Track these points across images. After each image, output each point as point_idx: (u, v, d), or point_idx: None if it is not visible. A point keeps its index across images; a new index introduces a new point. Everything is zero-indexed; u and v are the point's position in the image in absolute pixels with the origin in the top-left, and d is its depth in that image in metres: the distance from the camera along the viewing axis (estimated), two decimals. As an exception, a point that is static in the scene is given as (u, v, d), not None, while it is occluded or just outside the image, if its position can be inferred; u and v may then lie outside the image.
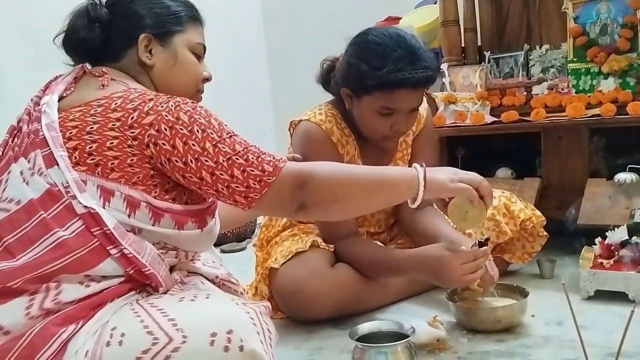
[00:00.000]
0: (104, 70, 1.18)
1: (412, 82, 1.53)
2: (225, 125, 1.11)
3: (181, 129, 1.06)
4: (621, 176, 1.72)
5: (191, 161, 1.06)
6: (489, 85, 2.40)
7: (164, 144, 1.06)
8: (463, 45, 2.55)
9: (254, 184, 1.07)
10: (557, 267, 1.89)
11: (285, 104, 3.70)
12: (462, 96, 2.35)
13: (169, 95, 1.11)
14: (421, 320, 1.44)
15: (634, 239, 1.66)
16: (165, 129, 1.06)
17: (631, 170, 1.70)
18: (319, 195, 1.13)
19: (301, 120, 1.73)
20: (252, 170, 1.07)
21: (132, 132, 1.06)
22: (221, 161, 1.07)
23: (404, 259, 1.58)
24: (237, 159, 1.07)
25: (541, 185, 2.09)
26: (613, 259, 1.67)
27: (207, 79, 1.30)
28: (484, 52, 2.56)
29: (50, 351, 0.93)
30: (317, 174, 1.13)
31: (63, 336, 0.94)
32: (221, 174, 1.07)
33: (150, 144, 1.06)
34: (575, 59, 2.38)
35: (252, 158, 1.08)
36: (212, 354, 0.94)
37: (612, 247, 1.69)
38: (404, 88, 1.54)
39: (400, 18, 2.87)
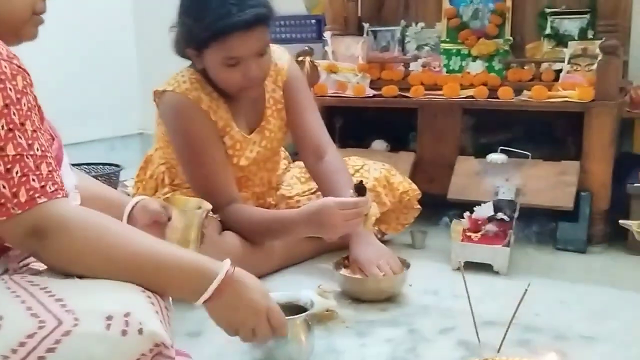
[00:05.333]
0: None
1: (241, 24, 1.49)
2: (28, 112, 0.90)
3: None
4: (493, 156, 1.85)
5: None
6: (369, 57, 2.44)
7: None
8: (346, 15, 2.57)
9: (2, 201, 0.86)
10: (427, 238, 2.00)
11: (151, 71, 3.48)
12: (344, 66, 2.37)
13: None
14: (308, 290, 1.46)
15: (499, 214, 1.81)
16: None
17: (502, 151, 1.83)
18: (58, 257, 0.92)
19: (165, 91, 1.65)
20: (25, 182, 0.86)
21: None
22: (8, 152, 0.86)
23: (289, 217, 1.60)
24: (27, 159, 0.87)
25: (415, 159, 2.19)
26: (480, 233, 1.80)
27: None
28: (363, 23, 2.60)
29: None
30: (69, 232, 0.90)
31: None
32: None
33: None
34: (448, 40, 2.50)
35: (32, 170, 0.87)
36: (108, 338, 0.86)
37: (479, 222, 1.83)
38: (236, 32, 1.50)
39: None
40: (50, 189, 0.88)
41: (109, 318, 0.86)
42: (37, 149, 0.89)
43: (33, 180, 0.87)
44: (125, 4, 3.50)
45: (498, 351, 1.11)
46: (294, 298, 1.28)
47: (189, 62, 1.70)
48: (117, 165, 2.66)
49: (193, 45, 1.58)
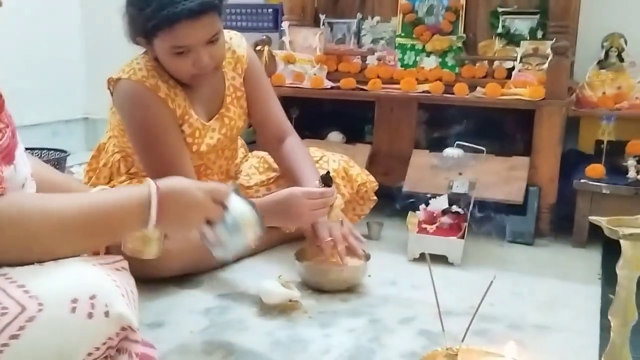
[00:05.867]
0: None
1: (185, 13, 1.44)
2: None
3: None
4: (449, 151, 1.90)
5: None
6: (325, 49, 2.45)
7: None
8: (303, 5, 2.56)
9: None
10: (382, 230, 2.03)
11: (98, 55, 3.37)
12: (301, 57, 2.37)
13: None
14: (269, 279, 1.47)
15: (454, 207, 1.86)
16: None
17: (458, 146, 1.88)
18: (9, 250, 0.89)
19: (120, 79, 1.60)
20: None
21: None
22: None
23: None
24: None
25: (371, 151, 2.22)
26: (435, 225, 1.85)
27: None
28: (320, 15, 2.60)
29: None
30: (10, 226, 0.87)
31: None
32: None
33: None
34: (403, 34, 2.53)
35: None
36: (74, 322, 0.85)
37: (434, 214, 1.87)
38: (181, 21, 1.45)
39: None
40: None
41: (74, 301, 0.85)
42: None
43: None
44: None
45: (462, 341, 1.14)
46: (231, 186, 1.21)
47: (136, 46, 1.64)
48: (63, 151, 2.58)
49: (140, 34, 1.54)
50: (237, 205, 1.13)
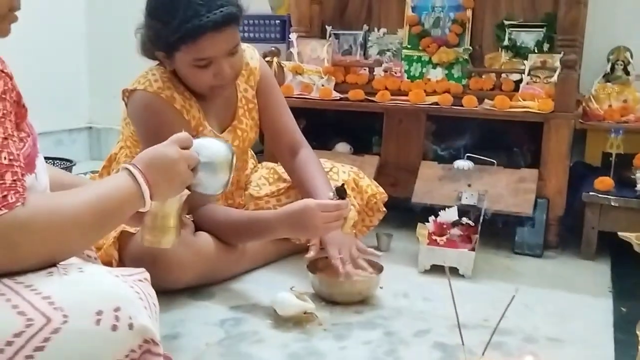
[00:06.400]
0: None
1: (210, 25, 1.47)
2: (2, 118, 0.89)
3: None
4: (459, 163, 1.91)
5: None
6: (333, 60, 2.46)
7: None
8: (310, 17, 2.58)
9: None
10: (392, 241, 2.03)
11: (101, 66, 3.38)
12: (309, 68, 2.38)
13: None
14: (283, 291, 1.47)
15: (464, 219, 1.86)
16: None
17: (469, 158, 1.89)
18: (36, 257, 0.90)
19: (136, 90, 1.60)
20: None
21: None
22: None
23: (268, 217, 1.60)
24: None
25: (379, 163, 2.22)
26: (445, 237, 1.85)
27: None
28: (326, 26, 2.61)
29: None
30: (35, 232, 0.88)
31: None
32: None
33: None
34: (409, 46, 2.55)
35: None
36: (98, 334, 0.86)
37: (444, 226, 1.87)
38: (206, 34, 1.48)
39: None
40: (12, 199, 0.86)
41: (99, 313, 0.85)
42: (5, 158, 0.87)
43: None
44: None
45: (483, 354, 1.14)
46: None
47: (143, 58, 1.66)
48: (69, 161, 2.58)
49: (162, 48, 1.55)
50: (210, 145, 1.16)
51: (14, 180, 0.87)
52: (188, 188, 1.15)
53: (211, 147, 1.16)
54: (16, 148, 0.90)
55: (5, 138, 0.88)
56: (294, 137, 1.83)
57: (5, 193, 0.85)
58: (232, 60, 1.57)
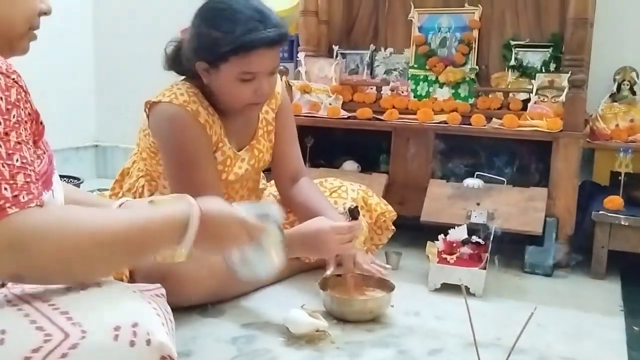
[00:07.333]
0: None
1: (267, 41, 1.51)
2: (16, 124, 0.88)
3: None
4: (469, 181, 1.91)
5: None
6: (340, 80, 2.47)
7: None
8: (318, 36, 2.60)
9: None
10: (401, 259, 2.03)
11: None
12: (317, 87, 2.39)
13: None
14: (295, 309, 1.46)
15: (474, 238, 1.86)
16: None
17: (478, 176, 1.89)
18: (45, 266, 0.86)
19: (160, 102, 1.61)
20: None
21: None
22: None
23: None
24: (3, 167, 0.84)
25: (388, 181, 2.22)
26: (455, 255, 1.85)
27: (45, 13, 1.07)
28: (333, 45, 2.64)
29: None
30: (48, 239, 0.85)
31: None
32: None
33: None
34: (416, 66, 2.57)
35: (6, 179, 0.83)
36: (116, 350, 0.85)
37: (454, 244, 1.87)
38: (260, 48, 1.51)
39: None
40: (24, 198, 0.84)
41: (117, 329, 0.84)
42: (17, 160, 0.85)
43: (5, 189, 0.82)
44: (85, 12, 3.41)
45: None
46: (263, 210, 1.22)
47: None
48: (76, 178, 2.58)
49: (210, 57, 1.55)
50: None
51: (27, 182, 0.85)
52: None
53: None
54: (30, 154, 0.90)
55: (19, 142, 0.86)
56: (298, 167, 1.87)
57: (16, 193, 0.83)
58: (271, 79, 1.60)
